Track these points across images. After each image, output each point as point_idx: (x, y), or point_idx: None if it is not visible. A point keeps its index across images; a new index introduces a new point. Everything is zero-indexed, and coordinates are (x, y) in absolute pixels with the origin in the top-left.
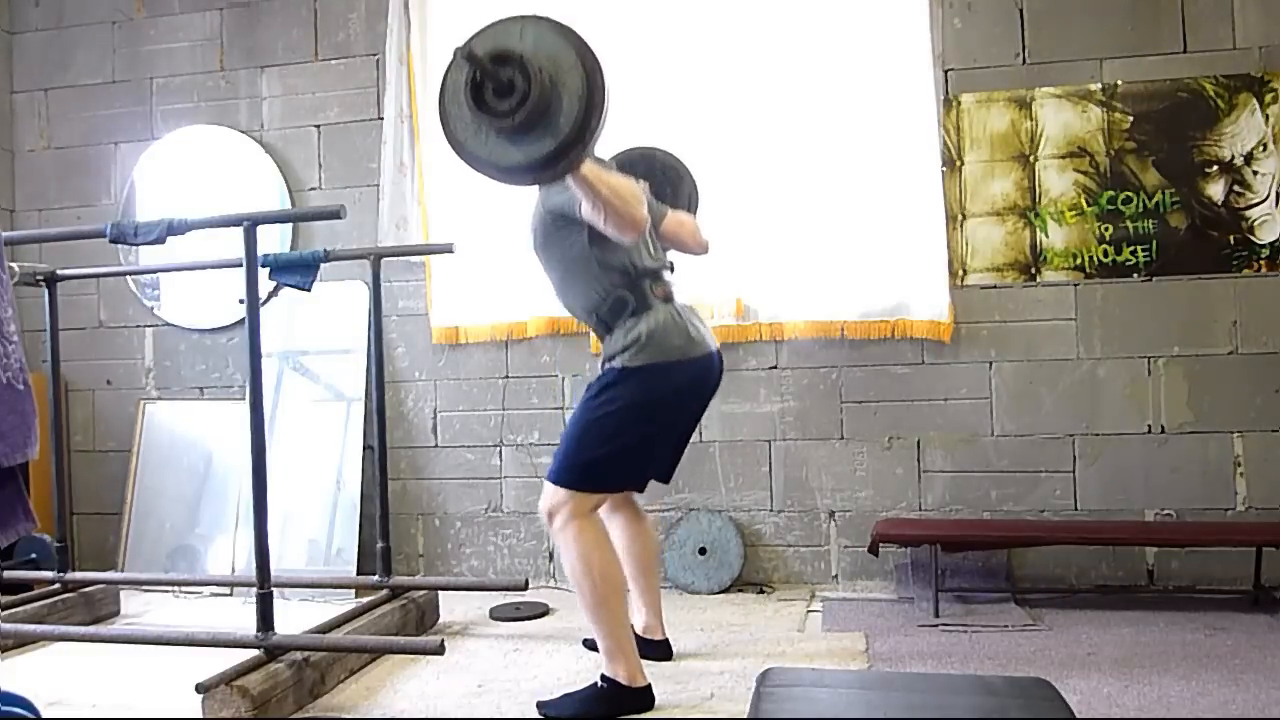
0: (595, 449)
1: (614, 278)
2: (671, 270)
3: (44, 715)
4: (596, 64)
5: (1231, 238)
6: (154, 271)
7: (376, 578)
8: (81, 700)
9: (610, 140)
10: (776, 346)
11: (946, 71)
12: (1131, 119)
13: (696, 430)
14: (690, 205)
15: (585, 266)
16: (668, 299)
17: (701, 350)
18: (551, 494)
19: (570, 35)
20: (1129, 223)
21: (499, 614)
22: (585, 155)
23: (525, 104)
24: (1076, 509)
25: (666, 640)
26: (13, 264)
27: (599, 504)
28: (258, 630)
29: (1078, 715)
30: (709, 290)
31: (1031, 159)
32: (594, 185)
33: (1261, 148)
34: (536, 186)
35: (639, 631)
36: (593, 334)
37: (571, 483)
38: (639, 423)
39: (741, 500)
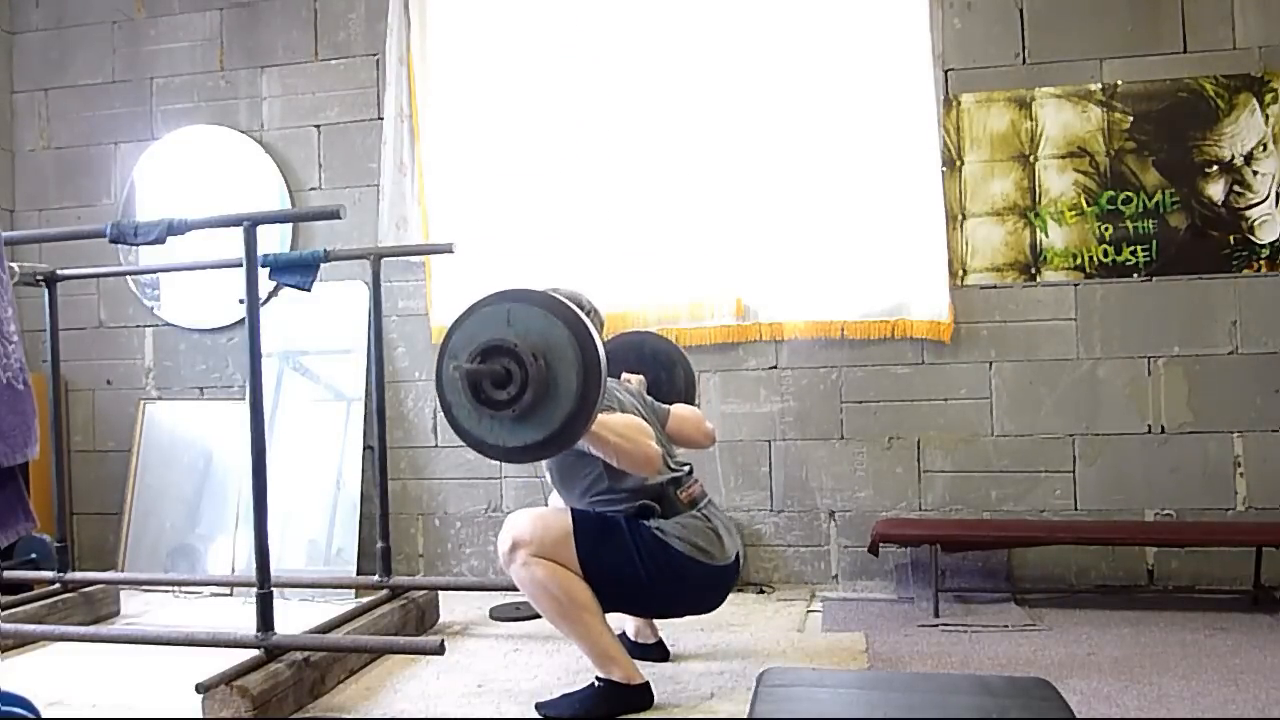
0: (594, 562)
1: (636, 496)
2: (690, 474)
3: (44, 715)
4: (587, 333)
5: (1231, 238)
6: (154, 271)
7: (376, 578)
8: (81, 700)
9: (611, 141)
10: (776, 346)
11: (946, 71)
12: (1131, 119)
13: None
14: (687, 390)
15: (605, 495)
16: (694, 503)
17: (727, 559)
18: (517, 533)
19: (557, 308)
20: (1129, 223)
21: (499, 614)
22: (591, 423)
23: (525, 391)
24: (1076, 509)
25: (660, 642)
26: (13, 264)
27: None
28: (258, 630)
29: (1078, 715)
30: (709, 290)
31: (1031, 159)
32: (602, 440)
33: (1261, 148)
34: None
35: (631, 636)
36: None
37: (548, 540)
38: (641, 588)
39: (741, 500)
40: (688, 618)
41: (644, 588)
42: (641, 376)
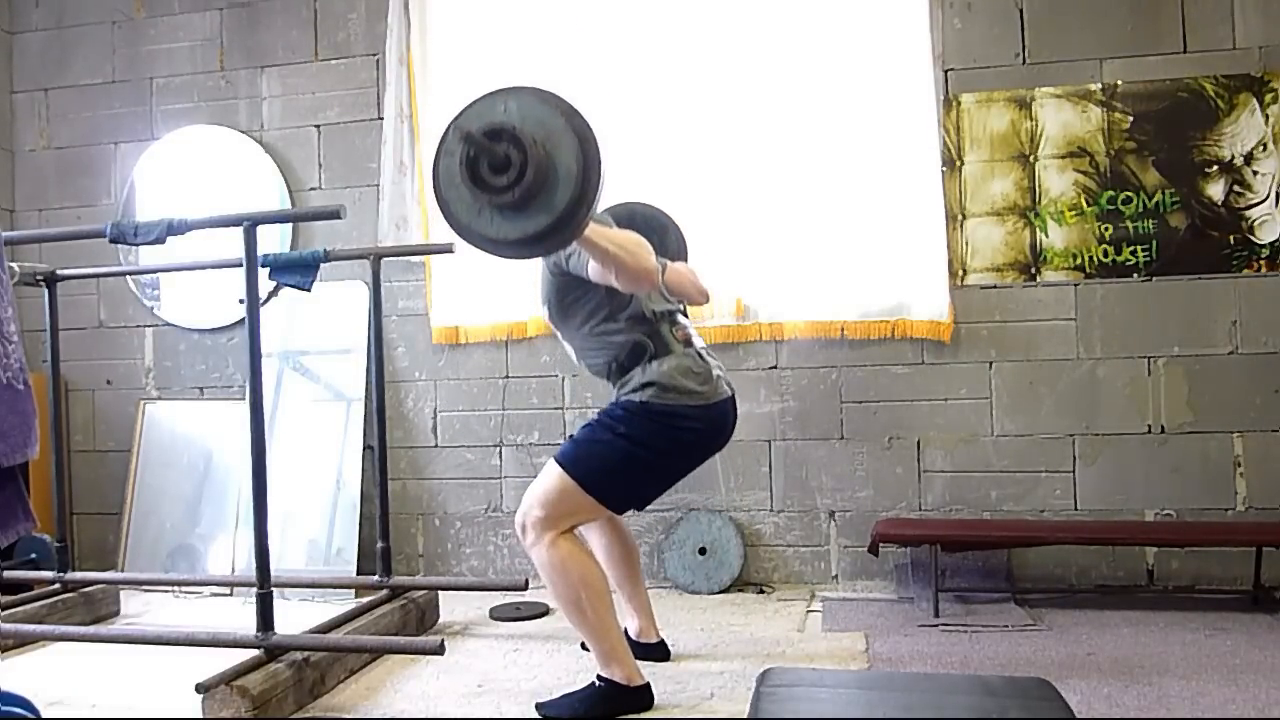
0: (593, 471)
1: (631, 327)
2: (685, 314)
3: (44, 715)
4: (586, 125)
5: (1231, 238)
6: (154, 271)
7: (376, 578)
8: (81, 700)
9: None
10: (776, 346)
11: (946, 71)
12: (1131, 119)
13: None
14: (681, 256)
15: (602, 325)
16: (688, 342)
17: (720, 396)
18: (530, 507)
19: (554, 100)
20: (1129, 223)
21: (499, 614)
22: (590, 217)
23: (524, 176)
24: (1076, 509)
25: (662, 641)
26: (13, 264)
27: (576, 525)
28: (258, 630)
29: (1078, 715)
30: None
31: (1031, 159)
32: (600, 245)
33: (1261, 148)
34: (543, 257)
35: (633, 636)
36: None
37: (583, 477)
38: (646, 462)
39: (741, 500)
40: (688, 618)
41: (647, 460)
42: None
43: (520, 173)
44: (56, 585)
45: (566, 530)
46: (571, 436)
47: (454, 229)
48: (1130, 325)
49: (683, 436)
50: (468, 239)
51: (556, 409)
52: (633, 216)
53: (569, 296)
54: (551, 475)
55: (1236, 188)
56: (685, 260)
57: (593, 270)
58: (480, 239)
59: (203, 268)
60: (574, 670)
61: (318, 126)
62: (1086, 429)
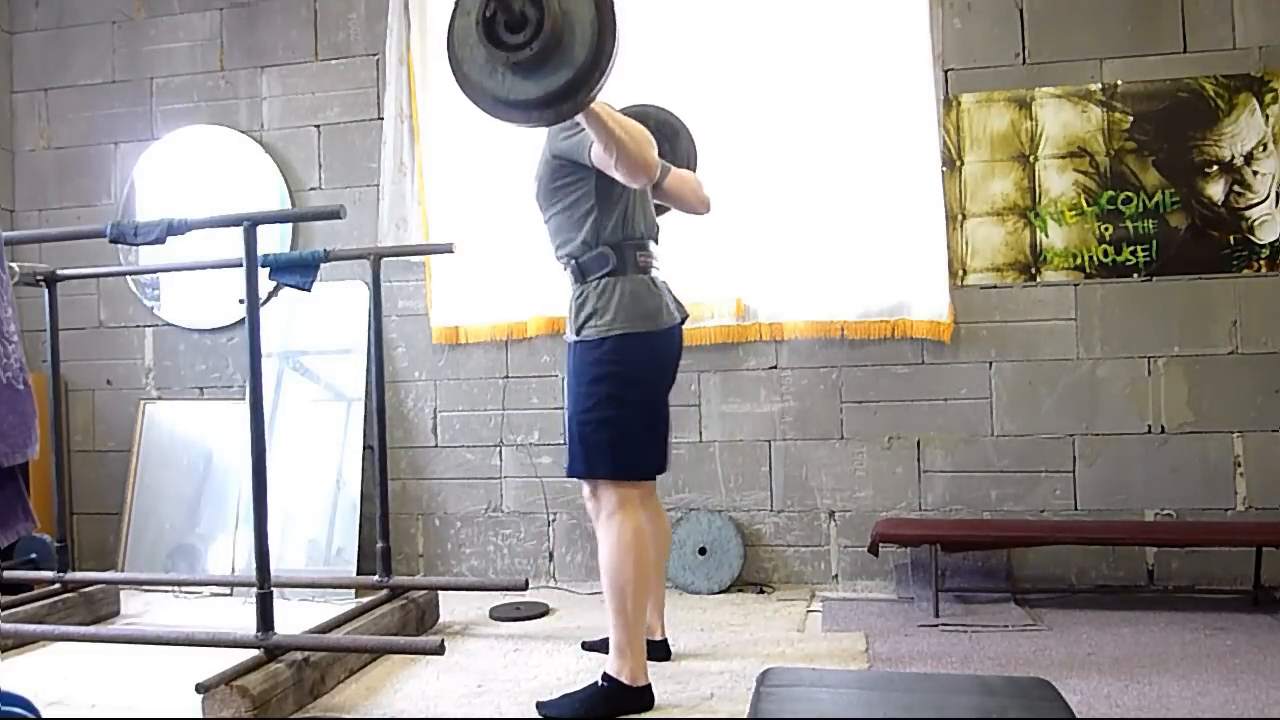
0: (610, 427)
1: (604, 233)
2: (657, 242)
3: (44, 715)
4: None
5: (1231, 238)
6: (154, 271)
7: (376, 578)
8: (81, 700)
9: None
10: (776, 346)
11: (946, 71)
12: (1131, 119)
13: (697, 430)
14: (690, 164)
15: (583, 215)
16: (646, 270)
17: (672, 320)
18: (594, 487)
19: None
20: (1129, 223)
21: (499, 614)
22: (602, 84)
23: (540, 34)
24: (1076, 509)
25: (665, 640)
26: (13, 264)
27: (643, 492)
28: (258, 630)
29: (1078, 715)
30: (709, 290)
31: (1031, 159)
32: (607, 125)
33: (1261, 148)
34: (546, 130)
35: None
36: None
37: (607, 469)
38: (635, 388)
39: (741, 500)
40: (688, 618)
41: (637, 403)
42: None
43: (537, 29)
44: (56, 585)
45: (637, 505)
46: (570, 404)
47: (465, 91)
48: (1130, 325)
49: (645, 361)
50: (479, 101)
51: (556, 409)
52: (645, 117)
53: (558, 182)
54: (599, 437)
55: (1236, 188)
56: (694, 166)
57: (595, 154)
58: (492, 100)
59: (203, 268)
60: (574, 670)
61: (318, 126)
62: (1086, 429)
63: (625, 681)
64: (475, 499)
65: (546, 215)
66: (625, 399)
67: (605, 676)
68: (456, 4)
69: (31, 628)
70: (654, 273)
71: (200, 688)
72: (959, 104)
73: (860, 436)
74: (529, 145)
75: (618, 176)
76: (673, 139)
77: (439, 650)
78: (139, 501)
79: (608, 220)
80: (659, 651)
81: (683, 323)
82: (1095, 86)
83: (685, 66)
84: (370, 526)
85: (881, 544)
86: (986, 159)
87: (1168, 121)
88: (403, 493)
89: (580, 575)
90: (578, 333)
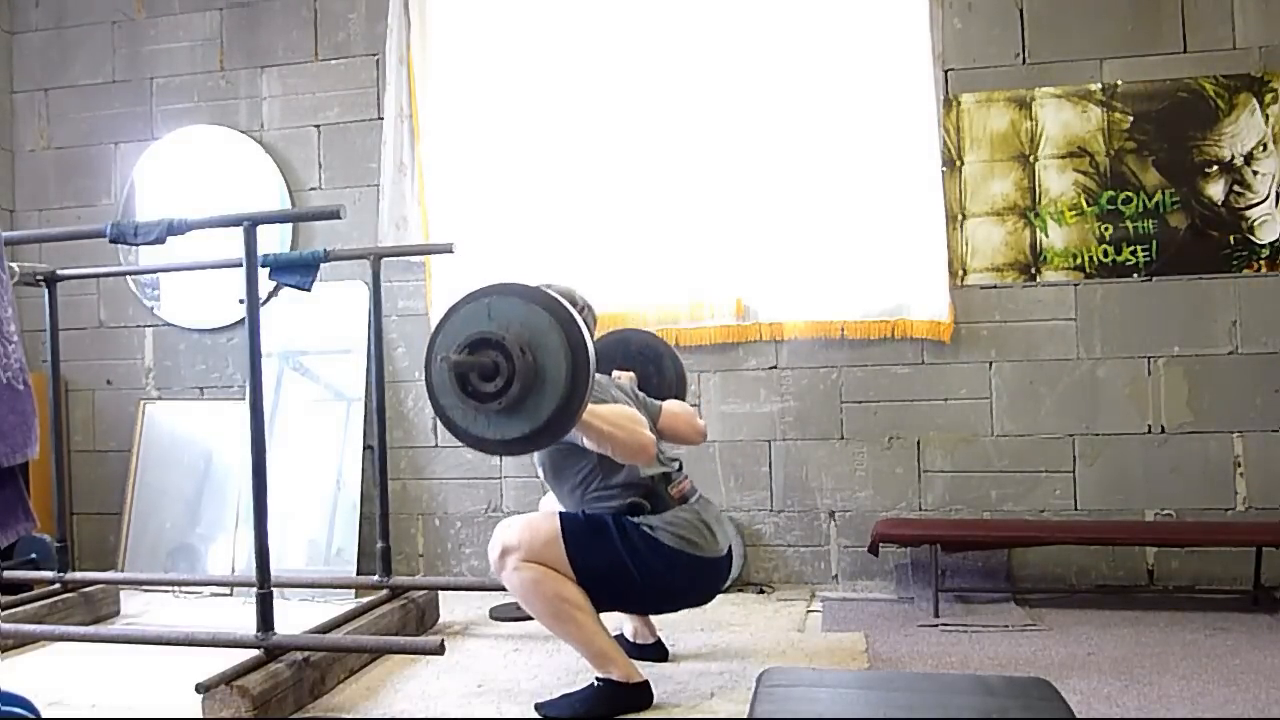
0: (585, 554)
1: (625, 492)
2: (680, 469)
3: (44, 715)
4: (570, 317)
5: (1231, 238)
6: (154, 271)
7: (376, 578)
8: (81, 700)
9: (611, 141)
10: (776, 346)
11: (946, 71)
12: (1131, 119)
13: None
14: (678, 383)
15: (597, 491)
16: (684, 499)
17: (715, 551)
18: (510, 536)
19: (534, 295)
20: (1129, 223)
21: (499, 614)
22: (584, 407)
23: (511, 384)
24: (1076, 509)
25: (659, 642)
26: (13, 264)
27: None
28: (258, 630)
29: (1078, 715)
30: (709, 290)
31: (1031, 159)
32: (594, 426)
33: (1261, 148)
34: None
35: (629, 637)
36: None
37: (538, 544)
38: (636, 583)
39: (741, 500)
40: (688, 618)
41: (636, 585)
42: (631, 373)
43: (507, 382)
44: (56, 585)
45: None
46: (585, 511)
47: (455, 435)
48: (1130, 325)
49: (678, 585)
50: (467, 442)
51: None
52: (627, 345)
53: (563, 463)
54: (549, 528)
55: (1236, 188)
56: (684, 386)
57: (588, 442)
58: (480, 442)
59: (203, 268)
60: (574, 670)
61: (318, 126)
62: (1086, 429)
63: (619, 680)
64: (475, 499)
65: (562, 497)
66: (629, 575)
67: (599, 678)
68: (429, 353)
69: (31, 628)
70: (694, 502)
71: (200, 688)
72: (959, 104)
73: (860, 436)
74: (529, 145)
75: (618, 460)
76: (658, 362)
77: (439, 650)
78: (139, 501)
79: (619, 480)
80: (654, 652)
81: (729, 554)
82: (1095, 86)
83: (686, 67)
84: (370, 526)
85: (881, 544)
86: (986, 159)
87: (1168, 121)
88: (403, 493)
89: None
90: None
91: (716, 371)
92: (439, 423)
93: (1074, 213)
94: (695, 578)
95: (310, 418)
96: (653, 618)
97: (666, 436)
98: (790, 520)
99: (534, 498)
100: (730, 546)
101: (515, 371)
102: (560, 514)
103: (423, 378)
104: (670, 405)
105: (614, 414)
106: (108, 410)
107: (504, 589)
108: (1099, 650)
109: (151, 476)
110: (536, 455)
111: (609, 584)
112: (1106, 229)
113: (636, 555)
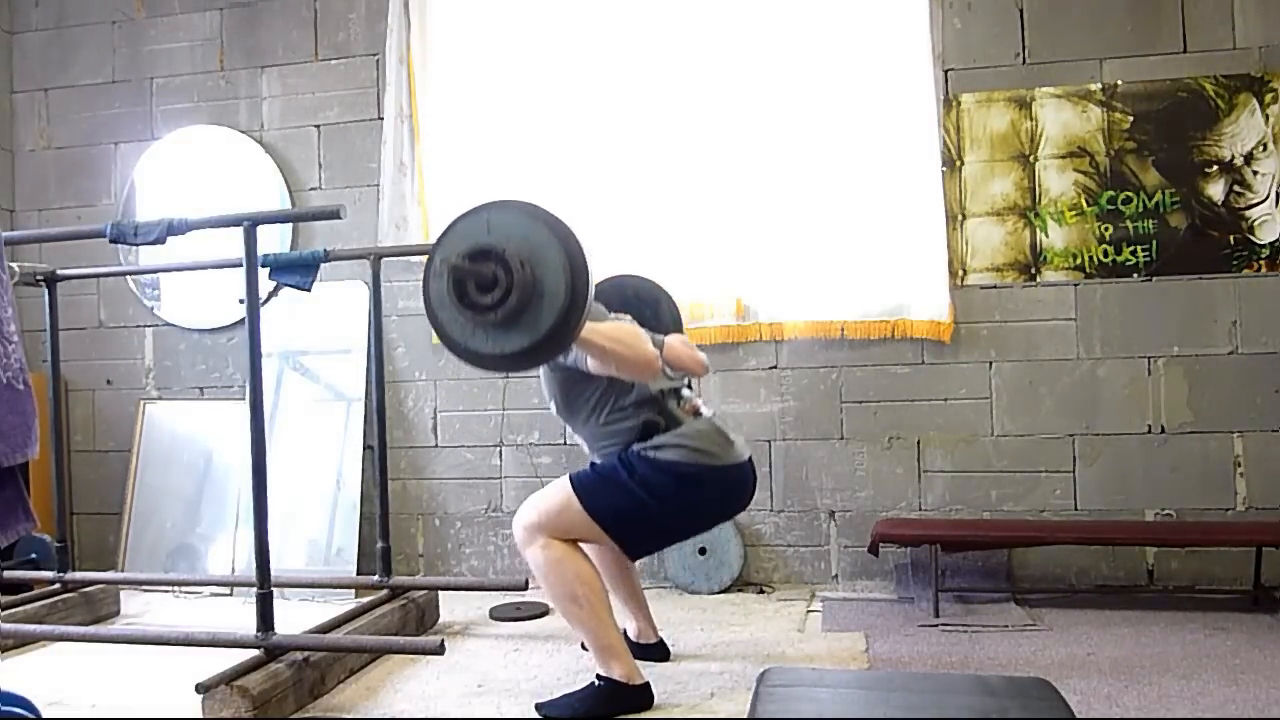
0: (603, 508)
1: (638, 411)
2: (690, 387)
3: (44, 715)
4: (568, 231)
5: (1231, 238)
6: (154, 271)
7: (376, 578)
8: (81, 700)
9: (611, 141)
10: (776, 346)
11: (946, 71)
12: (1131, 119)
13: None
14: (675, 324)
15: (610, 414)
16: (697, 413)
17: (734, 458)
18: (529, 513)
19: (534, 211)
20: (1129, 223)
21: (499, 614)
22: (584, 321)
23: (508, 297)
24: (1076, 509)
25: (661, 642)
26: (13, 264)
27: (570, 540)
28: (258, 630)
29: (1078, 715)
30: (709, 290)
31: (1031, 159)
32: (596, 343)
33: (1261, 148)
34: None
35: (631, 637)
36: None
37: (553, 513)
38: (660, 517)
39: None
40: (688, 618)
41: (660, 514)
42: (629, 316)
43: (505, 293)
44: (56, 585)
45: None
46: (593, 464)
47: (452, 350)
48: (1130, 325)
49: (702, 502)
50: (464, 357)
51: None
52: (622, 291)
53: (573, 391)
54: (561, 492)
55: (1236, 188)
56: (681, 329)
57: (592, 364)
58: (478, 356)
59: (203, 268)
60: (574, 670)
61: (318, 126)
62: (1086, 429)
63: (620, 680)
64: (475, 499)
65: (575, 425)
66: (638, 517)
67: (599, 677)
68: (427, 266)
69: (31, 628)
70: (705, 413)
71: (200, 688)
72: (959, 104)
73: (860, 436)
74: (529, 145)
75: (624, 378)
76: (654, 305)
77: (439, 650)
78: (139, 501)
79: (631, 400)
80: (657, 652)
81: (751, 462)
82: (1095, 86)
83: (686, 66)
84: (370, 526)
85: (881, 544)
86: (986, 159)
87: (1168, 121)
88: (403, 493)
89: None
90: (643, 446)
91: (716, 371)
92: (443, 421)
93: (1074, 213)
94: (719, 489)
95: (310, 418)
96: (655, 617)
97: (671, 369)
98: (790, 520)
99: None
100: (750, 456)
101: (514, 283)
102: (569, 475)
103: (422, 377)
104: (671, 339)
105: (615, 330)
106: (108, 410)
107: (504, 589)
108: (1099, 650)
109: (151, 476)
110: (547, 390)
111: (639, 523)
112: (1106, 229)
113: (648, 486)
